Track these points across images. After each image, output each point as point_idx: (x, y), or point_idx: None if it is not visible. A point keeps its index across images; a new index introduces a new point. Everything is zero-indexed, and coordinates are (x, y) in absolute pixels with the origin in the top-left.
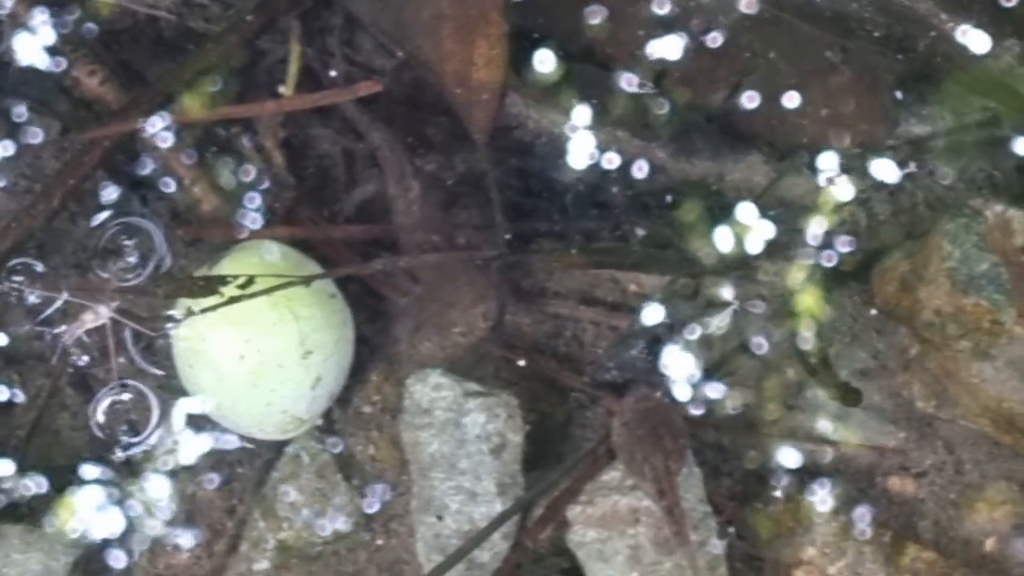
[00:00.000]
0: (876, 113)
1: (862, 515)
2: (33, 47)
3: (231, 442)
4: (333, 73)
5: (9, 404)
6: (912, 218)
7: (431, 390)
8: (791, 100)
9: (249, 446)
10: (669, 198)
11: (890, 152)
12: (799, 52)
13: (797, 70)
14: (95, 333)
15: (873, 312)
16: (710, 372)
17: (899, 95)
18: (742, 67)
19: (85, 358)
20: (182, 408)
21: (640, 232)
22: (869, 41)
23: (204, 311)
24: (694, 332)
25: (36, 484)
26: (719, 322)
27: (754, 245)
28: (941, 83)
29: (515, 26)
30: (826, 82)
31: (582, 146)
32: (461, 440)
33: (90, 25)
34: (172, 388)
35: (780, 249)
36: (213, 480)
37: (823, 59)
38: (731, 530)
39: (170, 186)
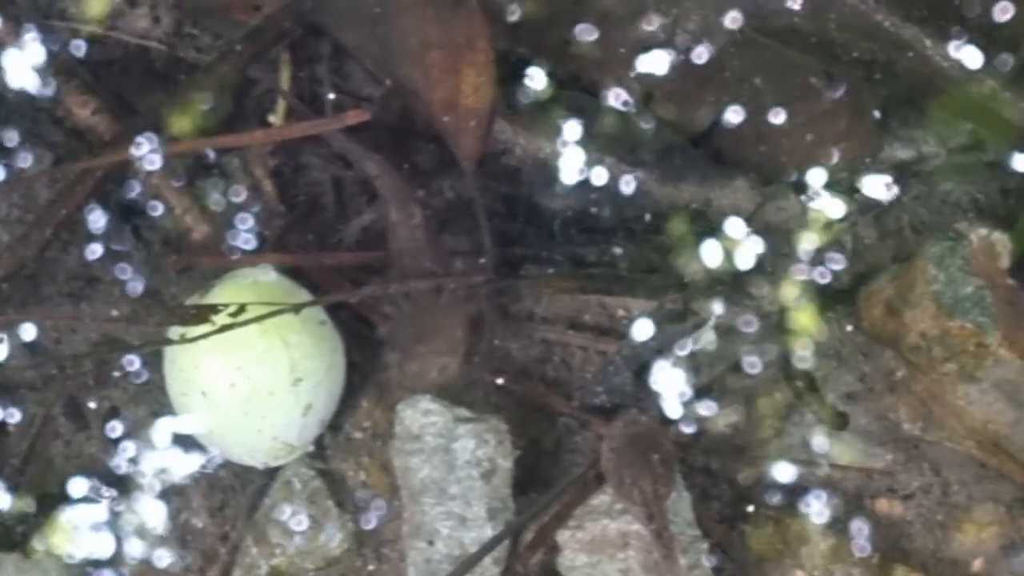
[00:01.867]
0: (860, 138)
1: (859, 529)
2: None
3: (216, 460)
4: (331, 96)
5: (3, 431)
6: (898, 241)
7: (421, 416)
8: (776, 123)
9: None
10: (648, 216)
11: (875, 174)
12: (784, 78)
13: (782, 96)
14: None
15: (852, 331)
16: (701, 392)
17: (883, 120)
18: (728, 92)
19: None
20: (164, 427)
21: (626, 256)
22: (853, 66)
23: (196, 339)
24: (683, 349)
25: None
26: (705, 339)
27: (743, 261)
28: (925, 108)
29: (501, 52)
30: (811, 107)
31: (572, 161)
32: (451, 465)
33: (78, 42)
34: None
35: (766, 271)
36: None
37: (808, 85)
38: (716, 553)
39: (160, 211)
